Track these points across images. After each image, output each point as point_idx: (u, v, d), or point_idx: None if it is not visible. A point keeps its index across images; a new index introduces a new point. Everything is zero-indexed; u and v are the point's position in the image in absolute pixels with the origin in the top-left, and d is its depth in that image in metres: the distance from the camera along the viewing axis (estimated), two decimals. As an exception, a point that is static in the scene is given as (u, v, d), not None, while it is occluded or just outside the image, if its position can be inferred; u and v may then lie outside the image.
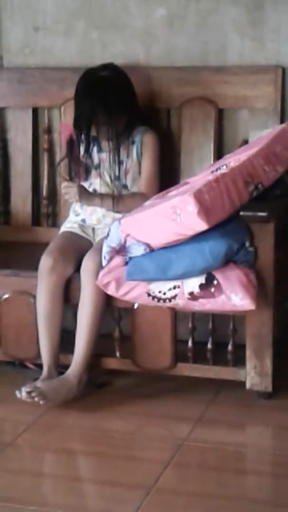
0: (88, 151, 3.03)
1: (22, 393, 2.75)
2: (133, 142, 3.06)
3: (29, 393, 2.74)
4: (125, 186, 3.07)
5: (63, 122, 3.24)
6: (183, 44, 3.24)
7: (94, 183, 3.07)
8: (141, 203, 2.88)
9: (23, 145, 3.40)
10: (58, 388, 2.80)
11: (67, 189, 3.02)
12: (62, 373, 2.89)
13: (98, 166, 3.06)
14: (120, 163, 3.04)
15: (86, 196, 3.02)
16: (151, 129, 3.10)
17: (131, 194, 3.04)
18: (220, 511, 2.28)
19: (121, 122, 3.00)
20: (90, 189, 3.07)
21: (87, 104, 2.95)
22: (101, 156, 3.05)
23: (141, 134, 3.06)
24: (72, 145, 3.06)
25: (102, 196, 3.02)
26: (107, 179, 3.05)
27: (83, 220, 3.09)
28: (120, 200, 3.00)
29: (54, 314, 2.90)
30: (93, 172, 3.07)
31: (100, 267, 2.81)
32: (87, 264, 2.86)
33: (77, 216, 3.10)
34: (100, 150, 3.06)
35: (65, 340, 2.93)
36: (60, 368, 2.91)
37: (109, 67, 3.04)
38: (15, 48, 3.42)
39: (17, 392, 2.76)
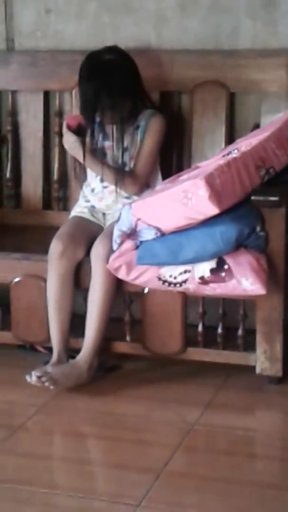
0: (93, 138, 3.00)
1: (32, 377, 2.76)
2: (137, 127, 3.03)
3: (39, 377, 2.75)
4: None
5: (68, 114, 3.22)
6: (195, 27, 3.22)
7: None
8: (133, 184, 2.92)
9: (34, 129, 3.39)
10: (68, 373, 2.81)
11: (74, 146, 2.96)
12: (72, 357, 2.90)
13: (104, 155, 3.03)
14: (124, 149, 3.02)
15: (77, 152, 2.97)
16: (158, 112, 3.06)
17: (119, 171, 2.99)
18: (230, 495, 2.28)
19: (126, 106, 2.97)
20: (96, 178, 3.05)
21: (91, 88, 2.92)
22: (106, 144, 3.03)
23: (147, 117, 3.03)
24: (80, 132, 3.00)
25: (97, 161, 2.98)
26: (120, 158, 3.00)
27: (93, 206, 3.08)
28: (120, 173, 2.96)
29: (64, 299, 2.91)
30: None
31: (110, 252, 2.81)
32: (97, 249, 2.86)
33: (87, 202, 3.10)
34: (105, 138, 3.03)
35: (75, 324, 2.93)
36: (71, 352, 2.92)
37: (113, 50, 3.00)
38: (26, 31, 3.40)
39: (27, 377, 2.77)
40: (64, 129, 2.98)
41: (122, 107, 2.95)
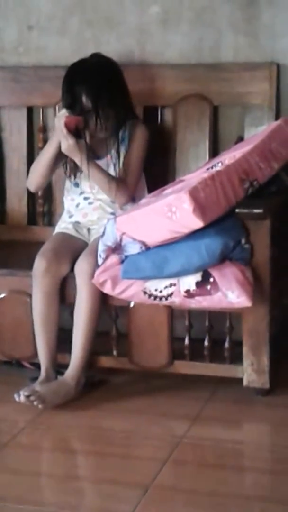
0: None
1: (21, 397, 2.75)
2: (122, 140, 3.03)
3: (27, 396, 2.74)
4: None
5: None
6: (177, 41, 3.24)
7: (83, 184, 3.05)
8: (117, 189, 2.91)
9: (18, 144, 3.39)
10: (56, 391, 2.80)
11: (73, 149, 2.90)
12: (60, 372, 2.89)
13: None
14: (114, 165, 3.02)
15: (75, 152, 2.91)
16: (141, 123, 3.08)
17: (112, 176, 2.98)
18: (218, 508, 2.28)
19: (111, 111, 2.95)
20: (78, 190, 3.05)
21: (77, 89, 2.92)
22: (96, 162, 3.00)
23: (130, 128, 3.03)
24: (78, 134, 2.96)
25: (88, 159, 2.92)
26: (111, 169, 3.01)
27: (77, 222, 3.08)
28: (99, 172, 2.94)
29: (50, 317, 2.90)
30: (84, 173, 3.01)
31: (95, 267, 2.80)
32: (82, 265, 2.85)
33: (70, 218, 3.09)
34: (95, 157, 3.00)
35: (62, 339, 2.92)
36: (58, 367, 2.91)
37: (100, 56, 3.03)
38: (9, 47, 3.41)
39: (15, 396, 2.76)
40: (64, 131, 2.90)
41: (106, 115, 2.94)
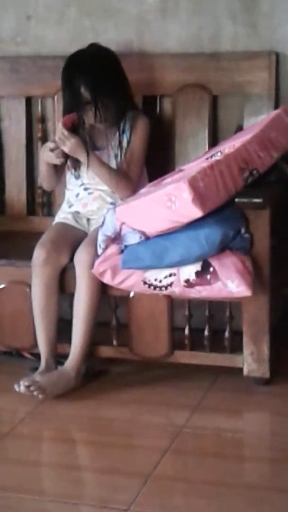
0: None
1: (21, 387, 2.75)
2: (123, 131, 3.03)
3: (27, 387, 2.74)
4: None
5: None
6: (176, 31, 3.23)
7: (84, 176, 3.04)
8: (122, 182, 2.90)
9: (17, 135, 3.39)
10: (56, 381, 2.80)
11: (63, 139, 2.90)
12: (60, 362, 2.89)
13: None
14: (115, 157, 3.02)
15: (80, 150, 2.92)
16: (141, 113, 3.07)
17: (116, 171, 2.98)
18: (219, 498, 2.28)
19: (109, 108, 2.95)
20: (79, 182, 3.05)
21: (75, 81, 2.91)
22: (97, 153, 2.99)
23: (131, 119, 3.02)
24: (75, 131, 2.94)
25: (93, 156, 2.93)
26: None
27: (77, 212, 3.07)
28: (102, 165, 2.95)
29: (50, 307, 2.90)
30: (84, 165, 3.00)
31: (94, 258, 2.80)
32: (81, 255, 2.85)
33: (70, 208, 3.09)
34: (95, 148, 3.00)
35: (62, 329, 2.92)
36: (58, 357, 2.91)
37: (98, 47, 3.01)
38: (7, 37, 3.40)
39: (15, 386, 2.76)
40: (65, 132, 2.89)
41: (106, 109, 2.93)
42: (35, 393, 2.74)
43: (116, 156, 3.02)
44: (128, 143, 3.02)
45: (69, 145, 2.90)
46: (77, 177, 3.06)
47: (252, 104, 3.15)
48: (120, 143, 3.02)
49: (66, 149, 2.92)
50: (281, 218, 2.85)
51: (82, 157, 2.93)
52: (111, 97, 2.95)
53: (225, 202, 2.66)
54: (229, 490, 2.32)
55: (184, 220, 2.64)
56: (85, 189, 3.05)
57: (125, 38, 3.27)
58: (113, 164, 3.01)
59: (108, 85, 2.93)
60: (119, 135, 3.02)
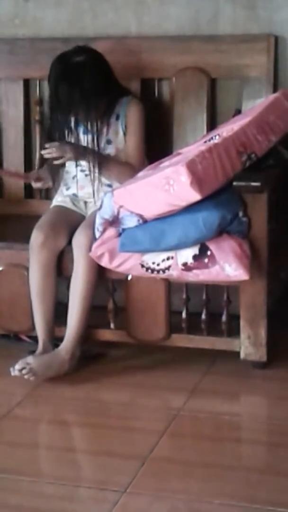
0: (71, 133, 2.95)
1: (15, 371, 2.76)
2: (117, 118, 3.02)
3: (20, 370, 2.75)
4: None
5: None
6: (174, 13, 3.21)
7: (82, 165, 3.03)
8: (128, 171, 2.87)
9: (14, 117, 3.38)
10: (49, 364, 2.80)
11: (60, 149, 2.89)
12: (57, 345, 2.89)
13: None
14: (108, 141, 3.01)
15: (81, 152, 2.93)
16: (134, 98, 3.06)
17: (118, 161, 2.99)
18: (215, 480, 2.29)
19: (100, 105, 2.95)
20: (78, 170, 3.03)
21: (63, 93, 2.89)
22: (88, 137, 2.99)
23: (124, 106, 3.01)
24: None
25: (94, 153, 2.94)
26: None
27: (75, 194, 3.07)
28: (107, 163, 2.94)
29: (47, 290, 2.90)
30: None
31: (92, 241, 2.80)
32: (79, 238, 2.85)
33: (68, 190, 3.08)
34: (86, 131, 3.00)
35: (59, 313, 2.92)
36: (56, 340, 2.92)
37: (83, 50, 2.95)
38: (5, 18, 3.38)
39: (11, 370, 2.77)
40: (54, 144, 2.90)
41: (97, 107, 2.93)
42: (25, 376, 2.75)
43: (108, 141, 3.01)
44: (124, 130, 3.01)
45: (68, 151, 2.90)
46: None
47: (250, 87, 3.14)
48: (115, 129, 3.01)
49: (69, 158, 2.92)
50: (279, 202, 2.84)
51: (90, 157, 2.93)
52: (101, 99, 2.93)
53: (223, 186, 2.65)
54: (226, 472, 2.33)
55: (182, 204, 2.63)
56: (82, 170, 3.04)
57: (124, 21, 3.26)
58: (108, 150, 3.00)
59: (97, 90, 2.90)
60: (115, 121, 3.01)
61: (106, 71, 2.98)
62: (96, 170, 2.94)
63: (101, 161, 2.95)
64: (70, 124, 2.95)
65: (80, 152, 2.93)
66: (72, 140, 2.97)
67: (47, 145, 2.91)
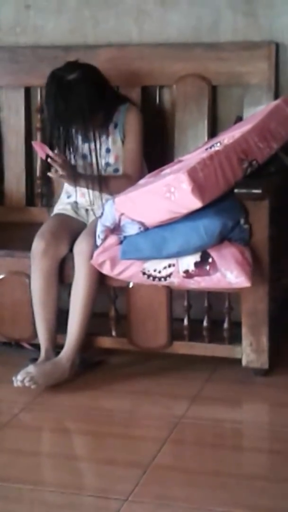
0: (68, 144, 2.94)
1: (18, 382, 2.76)
2: (115, 126, 3.02)
3: (22, 380, 2.75)
4: (117, 171, 3.04)
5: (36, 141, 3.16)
6: (175, 21, 3.22)
7: (80, 167, 3.02)
8: (126, 184, 2.86)
9: (16, 125, 3.38)
10: (50, 372, 2.80)
11: (60, 166, 2.87)
12: (59, 353, 2.89)
13: (85, 157, 3.02)
14: (107, 150, 3.02)
15: (73, 176, 2.93)
16: (132, 105, 3.06)
17: (115, 177, 3.00)
18: (218, 488, 2.29)
19: (99, 117, 2.95)
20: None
21: (59, 111, 2.87)
22: (86, 146, 2.98)
23: (123, 114, 3.01)
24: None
25: (87, 178, 2.95)
26: (94, 168, 2.98)
27: (75, 202, 3.07)
28: (104, 182, 2.95)
29: (49, 297, 2.90)
30: (81, 163, 3.01)
31: (93, 248, 2.80)
32: (81, 245, 2.85)
33: (69, 198, 3.09)
34: (84, 140, 3.00)
35: (62, 320, 2.92)
36: (58, 348, 2.91)
37: (75, 68, 2.92)
38: (6, 26, 3.39)
39: (13, 380, 2.77)
40: (59, 171, 2.87)
41: (95, 121, 2.93)
42: (27, 384, 2.74)
43: (108, 150, 3.01)
44: (122, 139, 3.01)
45: (68, 180, 2.92)
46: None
47: (251, 94, 3.14)
48: (114, 138, 3.01)
49: (69, 183, 2.94)
50: (281, 209, 2.84)
51: (80, 183, 2.94)
52: (98, 113, 2.92)
53: (224, 193, 2.65)
54: (228, 480, 2.32)
55: (183, 211, 2.63)
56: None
57: (125, 28, 3.27)
58: (107, 158, 3.00)
59: (94, 105, 2.89)
60: (113, 129, 3.01)
61: (101, 83, 2.97)
62: (96, 191, 2.95)
63: (99, 184, 2.94)
64: (69, 136, 2.93)
65: (76, 181, 2.93)
66: (72, 151, 2.96)
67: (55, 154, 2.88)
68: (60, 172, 2.87)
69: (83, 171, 3.00)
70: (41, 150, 2.89)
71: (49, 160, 2.87)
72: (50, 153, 2.85)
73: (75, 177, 2.93)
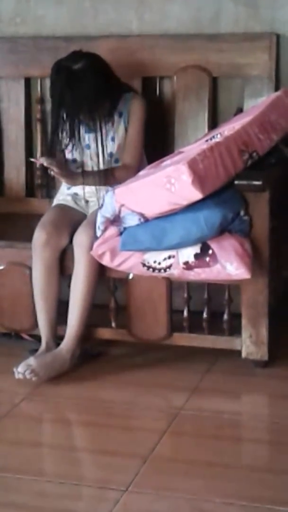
0: (74, 134, 2.92)
1: (19, 374, 2.76)
2: (120, 115, 3.02)
3: (23, 373, 2.75)
4: (117, 161, 3.03)
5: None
6: (176, 12, 3.21)
7: (87, 163, 3.03)
8: (126, 175, 2.86)
9: (15, 116, 3.38)
10: (50, 364, 2.80)
11: (58, 175, 2.91)
12: (59, 344, 2.89)
13: (89, 147, 3.02)
14: (112, 140, 3.01)
15: (69, 176, 2.95)
16: (137, 95, 3.06)
17: (114, 168, 3.00)
18: (217, 479, 2.29)
19: (105, 106, 2.95)
20: (75, 165, 3.03)
21: (66, 102, 2.87)
22: (90, 136, 2.99)
23: (127, 103, 3.01)
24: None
25: (84, 174, 2.95)
26: (101, 158, 2.98)
27: (76, 193, 3.07)
28: (104, 175, 2.95)
29: (50, 288, 2.90)
30: (85, 152, 3.01)
31: (93, 239, 2.80)
32: (80, 237, 2.85)
33: (69, 189, 3.08)
34: (87, 130, 2.99)
35: (62, 311, 2.92)
36: (58, 340, 2.91)
37: (81, 57, 2.91)
38: (6, 17, 3.38)
39: (15, 372, 2.77)
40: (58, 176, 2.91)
41: (102, 110, 2.93)
42: (27, 376, 2.75)
43: (112, 139, 3.01)
44: (126, 127, 3.01)
45: (71, 182, 2.96)
46: (74, 161, 3.05)
47: (252, 86, 3.14)
48: (118, 127, 3.00)
49: (71, 183, 2.98)
50: (281, 201, 2.84)
51: (76, 181, 2.95)
52: (104, 101, 2.92)
53: (224, 185, 2.65)
54: (227, 471, 2.33)
55: (184, 202, 2.63)
56: (83, 170, 3.03)
57: (125, 19, 3.26)
58: (110, 146, 2.99)
59: (100, 94, 2.89)
60: (117, 118, 3.01)
61: (106, 72, 2.97)
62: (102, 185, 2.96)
63: (106, 178, 2.95)
64: (75, 126, 2.92)
65: (67, 178, 2.94)
66: (77, 140, 2.95)
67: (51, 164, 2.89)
68: (60, 179, 2.93)
69: (89, 161, 2.99)
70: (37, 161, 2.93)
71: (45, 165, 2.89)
72: (45, 163, 2.87)
73: (74, 179, 2.95)
